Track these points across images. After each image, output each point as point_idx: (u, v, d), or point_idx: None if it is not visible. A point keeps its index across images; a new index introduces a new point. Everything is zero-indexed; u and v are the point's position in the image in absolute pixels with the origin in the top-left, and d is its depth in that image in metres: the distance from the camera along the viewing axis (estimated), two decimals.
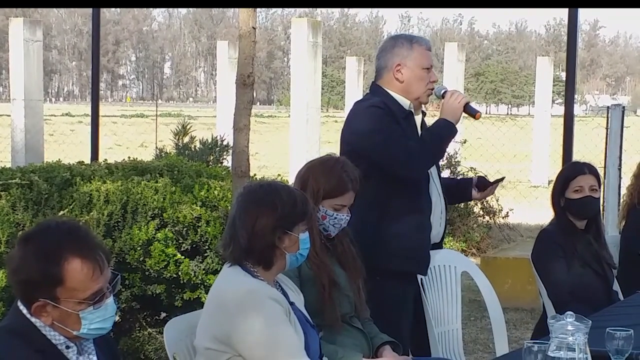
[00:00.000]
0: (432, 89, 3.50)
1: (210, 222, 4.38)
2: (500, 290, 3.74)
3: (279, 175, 5.37)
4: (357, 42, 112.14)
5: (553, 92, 20.61)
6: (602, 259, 3.84)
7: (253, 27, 3.88)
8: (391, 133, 3.32)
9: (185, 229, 4.38)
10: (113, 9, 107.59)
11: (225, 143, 8.31)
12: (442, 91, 3.49)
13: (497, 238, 9.18)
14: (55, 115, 35.60)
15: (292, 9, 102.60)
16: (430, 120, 3.60)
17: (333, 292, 2.88)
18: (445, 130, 3.41)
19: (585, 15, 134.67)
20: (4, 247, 4.12)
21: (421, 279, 3.49)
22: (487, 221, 9.17)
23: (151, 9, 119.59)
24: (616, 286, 3.96)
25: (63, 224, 2.09)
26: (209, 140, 8.35)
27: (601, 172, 4.44)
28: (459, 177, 3.81)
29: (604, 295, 3.80)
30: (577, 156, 5.60)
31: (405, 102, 3.47)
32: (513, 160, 13.71)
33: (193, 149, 8.24)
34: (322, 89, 17.24)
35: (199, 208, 4.41)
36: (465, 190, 3.74)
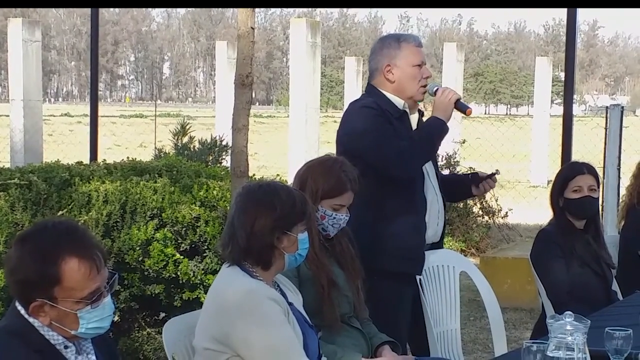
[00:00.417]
0: (426, 86, 3.48)
1: (209, 222, 4.38)
2: (499, 290, 3.75)
3: (277, 175, 5.37)
4: (356, 42, 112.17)
5: (552, 92, 20.62)
6: (601, 259, 3.84)
7: (252, 28, 3.88)
8: (383, 133, 3.32)
9: (184, 229, 4.38)
10: (112, 9, 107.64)
11: (224, 143, 8.31)
12: (434, 89, 3.47)
13: (496, 238, 9.18)
14: (54, 116, 35.59)
15: (291, 10, 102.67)
16: None
17: (332, 292, 2.88)
18: (435, 129, 3.40)
19: (584, 15, 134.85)
20: (2, 247, 4.12)
21: (420, 279, 3.49)
22: (487, 221, 9.18)
23: (150, 9, 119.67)
24: (615, 286, 3.95)
25: (60, 224, 2.09)
26: (208, 141, 8.35)
27: (600, 172, 4.44)
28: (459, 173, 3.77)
29: (603, 295, 3.80)
30: (576, 156, 5.60)
31: (399, 102, 3.47)
32: (512, 160, 13.72)
33: (192, 149, 8.24)
34: (321, 89, 17.24)
35: (197, 208, 4.40)
36: (465, 185, 3.72)
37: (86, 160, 5.96)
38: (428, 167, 3.53)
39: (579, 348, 2.30)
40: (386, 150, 3.27)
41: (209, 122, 23.56)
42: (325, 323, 2.86)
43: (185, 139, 8.55)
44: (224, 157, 8.24)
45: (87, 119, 7.39)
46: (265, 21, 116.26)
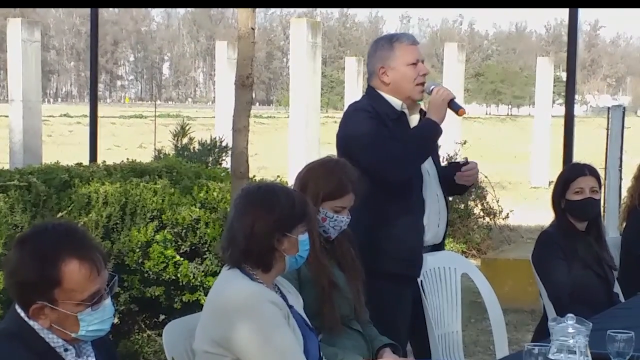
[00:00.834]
0: (424, 84, 3.45)
1: (209, 224, 4.37)
2: (500, 292, 3.73)
3: (278, 176, 5.36)
4: (356, 43, 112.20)
5: (553, 92, 20.59)
6: (603, 261, 3.83)
7: (252, 28, 3.87)
8: (375, 136, 3.32)
9: (184, 230, 4.37)
10: (111, 9, 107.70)
11: (224, 144, 8.30)
12: (431, 88, 3.45)
13: (497, 239, 9.18)
14: (53, 116, 35.64)
15: (292, 10, 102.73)
16: None
17: (333, 294, 2.87)
18: (427, 130, 3.38)
19: (586, 15, 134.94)
20: (2, 249, 4.11)
21: (421, 281, 3.48)
22: (488, 222, 9.18)
23: (150, 9, 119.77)
24: (617, 288, 3.95)
25: (59, 226, 2.09)
26: (208, 141, 8.34)
27: (602, 173, 4.43)
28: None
29: (605, 296, 3.79)
30: (577, 157, 5.59)
31: (397, 103, 3.47)
32: (513, 161, 13.74)
33: (192, 150, 8.24)
34: (322, 89, 17.23)
35: (198, 210, 4.40)
36: (451, 179, 3.63)
37: (86, 161, 5.95)
38: (428, 168, 3.51)
39: (580, 351, 2.29)
40: (377, 153, 3.26)
41: (208, 123, 23.58)
42: (326, 325, 2.85)
43: (185, 140, 8.55)
44: (224, 158, 8.24)
45: (87, 120, 7.39)
46: (265, 21, 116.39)
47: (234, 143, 3.94)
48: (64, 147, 15.39)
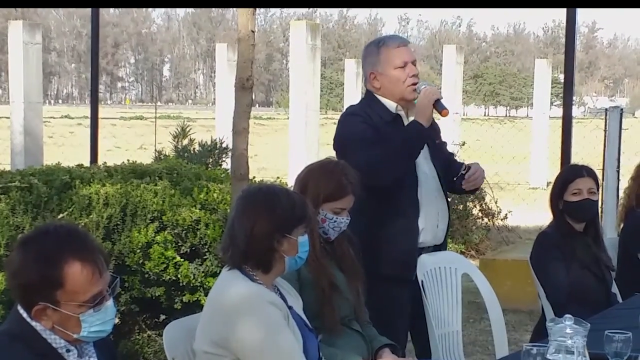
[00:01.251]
0: (416, 84, 3.44)
1: (209, 225, 4.38)
2: (498, 292, 3.74)
3: (278, 177, 5.38)
4: (355, 44, 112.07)
5: (551, 94, 20.62)
6: (601, 262, 3.84)
7: (252, 31, 3.88)
8: (361, 141, 3.33)
9: (184, 231, 4.39)
10: (112, 11, 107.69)
11: (224, 145, 8.31)
12: (421, 88, 3.42)
13: (495, 240, 9.19)
14: (54, 118, 35.64)
15: (291, 11, 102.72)
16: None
17: (333, 296, 2.88)
18: (411, 133, 3.36)
19: (583, 17, 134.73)
20: (3, 250, 4.12)
21: (422, 280, 3.49)
22: (486, 223, 9.19)
23: (150, 11, 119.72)
24: (615, 288, 3.96)
25: (62, 227, 2.10)
26: (208, 143, 8.35)
27: (599, 175, 4.45)
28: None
29: (603, 297, 3.81)
30: (575, 158, 5.60)
31: (391, 106, 3.48)
32: (512, 162, 13.73)
33: (192, 152, 8.24)
34: (321, 91, 17.25)
35: (198, 211, 4.41)
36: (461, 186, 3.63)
37: (86, 162, 5.96)
38: (426, 169, 3.51)
39: (578, 351, 2.31)
40: (358, 158, 3.25)
41: (209, 124, 23.57)
42: (326, 326, 2.86)
43: (186, 141, 8.56)
44: (224, 159, 8.24)
45: (88, 121, 7.40)
46: (264, 23, 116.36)
47: (234, 145, 3.96)
48: (65, 149, 15.39)
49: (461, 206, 8.80)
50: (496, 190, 9.80)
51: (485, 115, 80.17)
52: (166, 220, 4.38)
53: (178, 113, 42.93)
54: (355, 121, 3.42)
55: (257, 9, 3.98)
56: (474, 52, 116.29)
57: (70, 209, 4.34)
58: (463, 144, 11.16)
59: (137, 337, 4.52)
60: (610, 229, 6.33)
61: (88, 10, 7.38)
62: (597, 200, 3.90)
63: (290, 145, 12.90)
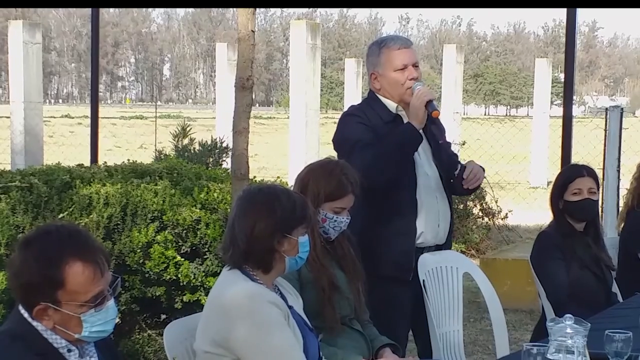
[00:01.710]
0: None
1: (209, 225, 4.38)
2: (499, 292, 3.74)
3: (278, 177, 5.38)
4: (356, 44, 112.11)
5: (552, 93, 20.62)
6: (601, 261, 3.84)
7: (252, 31, 3.88)
8: (355, 143, 3.33)
9: (184, 231, 4.39)
10: (112, 11, 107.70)
11: (224, 145, 8.31)
12: (415, 89, 3.39)
13: (496, 239, 9.19)
14: (54, 117, 35.66)
15: (291, 11, 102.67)
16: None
17: (333, 295, 2.89)
18: (402, 136, 3.34)
19: (584, 16, 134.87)
20: (3, 250, 4.13)
21: (423, 280, 3.48)
22: (486, 222, 9.18)
23: (150, 11, 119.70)
24: (615, 288, 3.96)
25: (63, 228, 2.10)
26: (209, 142, 8.35)
27: (600, 174, 4.45)
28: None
29: (603, 297, 3.81)
30: (575, 157, 5.61)
31: (392, 106, 3.49)
32: (512, 162, 13.72)
33: (192, 151, 8.24)
34: (321, 90, 17.26)
35: (198, 210, 4.41)
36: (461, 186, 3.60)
37: (87, 162, 5.97)
38: (427, 169, 3.51)
39: (579, 351, 2.31)
40: (353, 159, 3.24)
41: (209, 124, 23.58)
42: (326, 325, 2.86)
43: (186, 141, 8.56)
44: (224, 159, 8.25)
45: (88, 120, 7.41)
46: (265, 23, 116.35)
47: (234, 145, 3.96)
48: (65, 148, 15.39)
49: (461, 206, 8.80)
50: (496, 189, 9.80)
51: (485, 114, 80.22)
52: (166, 219, 4.38)
53: (178, 112, 42.95)
54: (352, 122, 3.42)
55: (257, 8, 3.98)
56: (474, 51, 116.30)
57: (71, 209, 4.34)
58: (463, 144, 11.18)
59: (138, 336, 4.52)
60: (610, 229, 6.33)
61: (88, 10, 7.38)
62: (598, 200, 3.91)
63: (291, 144, 12.90)
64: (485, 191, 9.21)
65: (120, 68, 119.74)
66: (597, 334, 2.48)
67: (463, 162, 3.62)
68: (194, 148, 8.35)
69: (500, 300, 3.74)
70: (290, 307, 2.58)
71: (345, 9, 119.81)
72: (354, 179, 3.01)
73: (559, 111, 6.17)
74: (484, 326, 5.94)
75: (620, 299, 3.92)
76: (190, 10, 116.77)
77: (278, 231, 2.51)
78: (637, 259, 4.16)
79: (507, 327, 3.71)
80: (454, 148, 9.75)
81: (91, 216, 4.29)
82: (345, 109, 3.66)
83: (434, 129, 3.54)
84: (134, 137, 24.15)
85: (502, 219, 9.29)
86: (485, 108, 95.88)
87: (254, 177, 4.91)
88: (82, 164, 5.28)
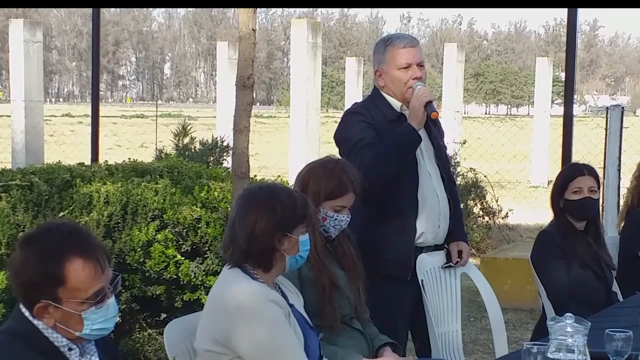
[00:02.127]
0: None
1: (210, 224, 4.38)
2: (499, 291, 3.75)
3: (279, 176, 5.38)
4: (356, 43, 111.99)
5: (552, 92, 20.62)
6: (602, 260, 3.84)
7: (253, 29, 3.88)
8: (356, 142, 3.33)
9: (185, 230, 4.39)
10: (113, 10, 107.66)
11: (225, 144, 8.31)
12: (415, 89, 3.39)
13: (496, 238, 9.19)
14: (55, 116, 35.67)
15: (292, 10, 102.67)
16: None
17: (333, 294, 2.89)
18: (402, 137, 3.33)
19: (585, 15, 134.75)
20: (4, 249, 4.13)
21: (422, 280, 3.49)
22: (487, 222, 9.19)
23: (151, 10, 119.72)
24: (615, 287, 3.96)
25: (64, 225, 2.10)
26: (209, 141, 8.35)
27: (600, 173, 4.45)
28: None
29: (604, 296, 3.81)
30: (576, 156, 5.60)
31: (396, 104, 3.48)
32: (512, 161, 13.72)
33: (193, 150, 8.25)
34: (322, 89, 17.25)
35: (199, 209, 4.41)
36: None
37: (87, 160, 5.97)
38: (431, 169, 3.51)
39: (579, 350, 2.31)
40: (352, 161, 3.23)
41: (209, 123, 23.59)
42: (326, 324, 2.86)
43: (186, 140, 8.56)
44: (225, 157, 8.25)
45: (88, 119, 7.41)
46: (266, 22, 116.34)
47: (235, 143, 3.96)
48: (66, 147, 15.39)
49: (462, 205, 8.79)
50: (497, 188, 9.80)
51: (486, 113, 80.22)
52: (167, 218, 4.38)
53: (179, 111, 42.96)
54: (354, 120, 3.42)
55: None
56: (475, 50, 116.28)
57: (71, 208, 4.34)
58: (464, 143, 11.17)
59: (138, 335, 4.52)
60: (611, 228, 6.33)
61: (89, 9, 7.38)
62: (598, 199, 3.90)
63: (291, 143, 12.90)
64: (485, 190, 9.21)
65: (121, 67, 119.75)
66: (598, 332, 2.48)
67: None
68: (195, 147, 8.35)
69: (500, 299, 3.74)
70: (291, 306, 2.58)
71: (346, 8, 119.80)
72: (354, 177, 3.01)
73: (560, 110, 6.17)
74: (484, 325, 5.94)
75: (620, 298, 3.92)
76: (191, 9, 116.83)
77: (279, 230, 2.51)
78: (637, 258, 4.15)
79: (508, 326, 3.72)
80: (455, 147, 9.81)
81: (91, 215, 4.29)
82: (346, 107, 3.66)
83: (434, 131, 3.55)
84: (135, 136, 24.15)
85: (502, 218, 9.29)
86: (486, 107, 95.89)
87: (255, 175, 4.91)
88: (83, 163, 5.28)
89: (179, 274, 4.32)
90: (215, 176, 4.94)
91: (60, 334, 2.06)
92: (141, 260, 4.30)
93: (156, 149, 9.10)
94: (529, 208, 11.39)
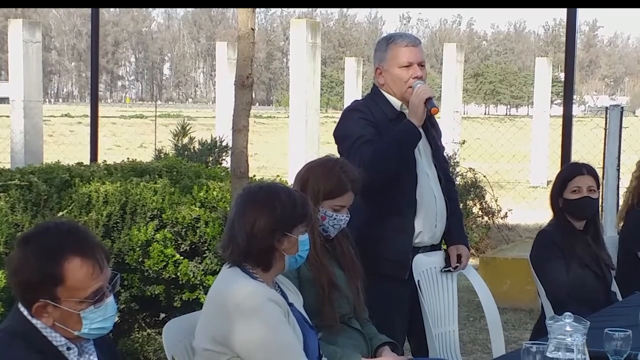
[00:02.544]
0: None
1: (209, 223, 4.38)
2: (499, 291, 3.75)
3: (278, 176, 5.38)
4: (356, 43, 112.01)
5: (552, 92, 20.63)
6: (601, 260, 3.84)
7: (252, 29, 3.88)
8: (355, 139, 3.33)
9: (184, 229, 4.39)
10: (112, 10, 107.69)
11: (224, 144, 8.31)
12: (415, 87, 3.39)
13: (496, 238, 9.19)
14: (54, 116, 35.67)
15: (292, 10, 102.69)
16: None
17: (332, 294, 2.88)
18: (401, 133, 3.33)
19: (584, 15, 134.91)
20: (3, 248, 4.13)
21: (418, 280, 3.48)
22: (486, 222, 9.19)
23: (150, 10, 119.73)
24: (614, 287, 3.96)
25: (62, 225, 2.10)
26: (208, 141, 8.35)
27: (600, 173, 4.45)
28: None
29: (603, 295, 3.81)
30: (575, 157, 5.61)
31: (396, 103, 3.48)
32: (512, 161, 13.71)
33: (192, 150, 8.25)
34: (321, 89, 17.27)
35: (197, 209, 4.41)
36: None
37: (86, 161, 5.97)
38: (429, 169, 3.51)
39: (578, 349, 2.30)
40: (351, 158, 3.24)
41: (209, 123, 23.59)
42: (325, 324, 2.86)
43: (186, 140, 8.56)
44: (224, 157, 8.25)
45: (88, 120, 7.41)
46: (265, 22, 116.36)
47: (234, 143, 3.96)
48: (65, 147, 15.38)
49: (461, 205, 8.79)
50: (496, 188, 9.80)
51: (485, 113, 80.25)
52: (166, 218, 4.38)
53: (178, 111, 42.94)
54: (354, 118, 3.41)
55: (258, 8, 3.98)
56: (475, 50, 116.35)
57: (70, 207, 4.34)
58: (463, 143, 11.17)
59: (137, 335, 4.52)
60: (610, 228, 6.33)
61: (88, 9, 7.38)
62: (597, 198, 3.90)
63: (291, 143, 12.90)
64: (485, 190, 9.21)
65: (120, 67, 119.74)
66: (597, 332, 2.48)
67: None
68: (194, 147, 8.35)
69: (499, 299, 3.74)
70: (290, 305, 2.58)
71: (345, 8, 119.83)
72: (353, 176, 3.01)
73: (559, 110, 6.17)
74: (483, 325, 5.93)
75: (619, 297, 3.92)
76: (190, 9, 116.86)
77: (278, 229, 2.51)
78: (636, 257, 4.16)
79: (507, 326, 3.72)
80: (454, 147, 9.81)
81: (90, 214, 4.29)
82: (350, 103, 3.65)
83: (432, 132, 3.55)
84: (134, 136, 24.14)
85: (501, 218, 9.30)
86: (486, 107, 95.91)
87: (254, 175, 4.91)
88: (82, 163, 5.28)
89: (178, 274, 4.32)
90: (214, 176, 4.94)
91: (59, 333, 2.05)
92: (140, 259, 4.30)
93: (155, 149, 9.11)
94: (528, 208, 11.39)
